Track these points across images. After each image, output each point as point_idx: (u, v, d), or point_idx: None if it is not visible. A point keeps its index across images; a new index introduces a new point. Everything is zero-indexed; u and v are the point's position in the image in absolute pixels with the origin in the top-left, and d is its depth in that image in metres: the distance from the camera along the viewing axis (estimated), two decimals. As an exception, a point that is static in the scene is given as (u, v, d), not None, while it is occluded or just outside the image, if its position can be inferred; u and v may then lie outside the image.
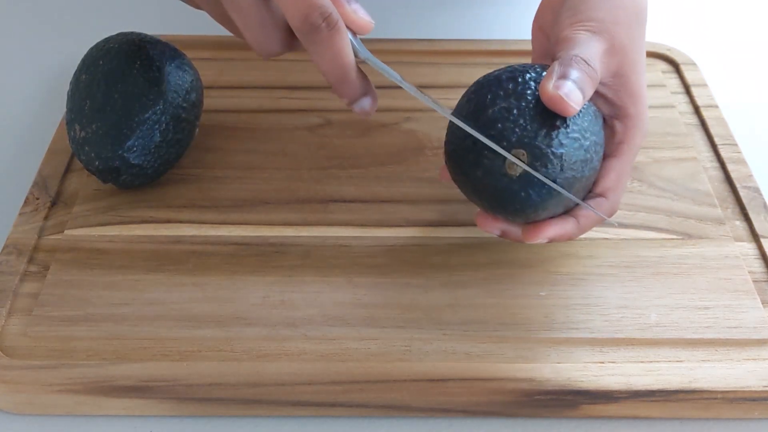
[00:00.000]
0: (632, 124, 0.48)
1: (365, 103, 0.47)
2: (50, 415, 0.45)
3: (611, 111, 0.48)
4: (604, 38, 0.47)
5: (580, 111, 0.45)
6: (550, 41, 0.51)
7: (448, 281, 0.49)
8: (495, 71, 0.47)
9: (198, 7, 0.49)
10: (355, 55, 0.45)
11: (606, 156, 0.48)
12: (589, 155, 0.45)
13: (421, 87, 0.62)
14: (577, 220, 0.47)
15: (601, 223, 0.49)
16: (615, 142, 0.48)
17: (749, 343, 0.47)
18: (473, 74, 0.57)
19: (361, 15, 0.46)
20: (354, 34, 0.46)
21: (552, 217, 0.46)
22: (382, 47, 0.66)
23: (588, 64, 0.45)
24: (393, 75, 0.46)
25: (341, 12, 0.44)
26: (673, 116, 0.62)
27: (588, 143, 0.45)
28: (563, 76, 0.44)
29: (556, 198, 0.45)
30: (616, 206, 0.49)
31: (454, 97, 0.62)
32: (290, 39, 0.46)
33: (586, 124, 0.45)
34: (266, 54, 0.47)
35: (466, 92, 0.48)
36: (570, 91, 0.44)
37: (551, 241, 0.47)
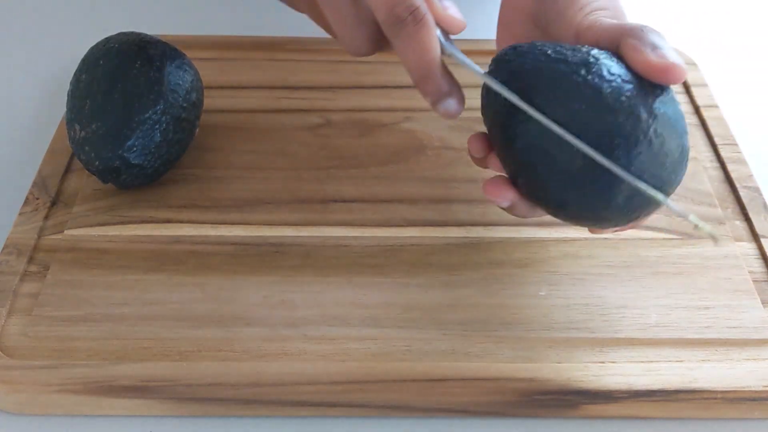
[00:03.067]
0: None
1: (450, 104, 0.45)
2: (50, 415, 0.45)
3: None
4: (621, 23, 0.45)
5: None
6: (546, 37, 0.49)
7: (447, 281, 0.50)
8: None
9: (297, 8, 0.49)
10: (442, 52, 0.44)
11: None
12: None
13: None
14: None
15: None
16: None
17: (749, 343, 0.47)
18: (473, 74, 0.57)
19: (451, 12, 0.44)
20: (445, 34, 0.45)
21: None
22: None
23: (656, 32, 0.42)
24: (479, 72, 0.44)
25: (431, 9, 0.43)
26: (673, 116, 0.62)
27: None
28: (655, 46, 0.41)
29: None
30: None
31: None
32: (379, 37, 0.45)
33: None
34: (355, 52, 0.46)
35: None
36: (674, 56, 0.40)
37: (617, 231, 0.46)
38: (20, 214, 0.53)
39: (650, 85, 0.41)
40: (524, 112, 0.41)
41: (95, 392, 0.44)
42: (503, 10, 0.52)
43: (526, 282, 0.49)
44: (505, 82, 0.43)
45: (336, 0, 0.44)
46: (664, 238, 0.52)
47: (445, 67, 0.44)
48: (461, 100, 0.45)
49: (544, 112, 0.41)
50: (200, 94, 0.56)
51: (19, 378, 0.44)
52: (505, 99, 0.42)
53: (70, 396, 0.44)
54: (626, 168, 0.40)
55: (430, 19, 0.43)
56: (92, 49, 0.55)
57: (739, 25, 0.77)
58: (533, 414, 0.45)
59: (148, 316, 0.47)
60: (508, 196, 0.45)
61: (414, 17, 0.42)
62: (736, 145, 0.59)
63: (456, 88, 0.45)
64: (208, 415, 0.45)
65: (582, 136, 0.40)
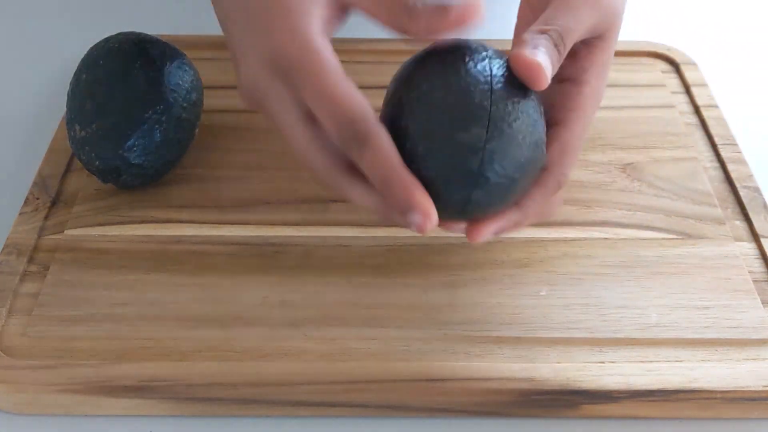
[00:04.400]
0: (588, 93, 0.45)
1: (414, 218, 0.40)
2: (50, 415, 0.45)
3: (572, 72, 0.45)
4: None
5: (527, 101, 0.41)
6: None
7: (447, 281, 0.50)
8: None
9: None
10: None
11: (552, 123, 0.44)
12: (534, 152, 0.42)
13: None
14: (520, 208, 0.44)
15: (550, 202, 0.46)
16: (566, 109, 0.45)
17: (749, 343, 0.47)
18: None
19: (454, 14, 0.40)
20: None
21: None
22: (383, 47, 0.67)
23: (562, 41, 0.42)
24: None
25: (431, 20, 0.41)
26: (673, 116, 0.62)
27: (536, 137, 0.42)
28: (535, 46, 0.41)
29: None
30: (563, 181, 0.44)
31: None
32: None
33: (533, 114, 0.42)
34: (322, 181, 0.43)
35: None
36: (545, 61, 0.41)
37: (497, 234, 0.44)
38: (20, 214, 0.53)
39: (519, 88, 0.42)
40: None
41: (95, 392, 0.44)
42: None
43: (525, 282, 0.50)
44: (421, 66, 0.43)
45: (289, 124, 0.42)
46: (663, 238, 0.52)
47: (407, 181, 0.40)
48: (427, 214, 0.40)
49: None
50: (200, 94, 0.56)
51: (19, 378, 0.44)
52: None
53: (71, 396, 0.44)
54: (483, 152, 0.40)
55: (376, 138, 0.40)
56: (92, 49, 0.55)
57: (739, 25, 0.77)
58: (533, 414, 0.45)
59: (148, 316, 0.47)
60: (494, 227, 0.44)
61: (357, 143, 0.40)
62: (736, 145, 0.59)
63: (422, 203, 0.40)
64: (208, 415, 0.45)
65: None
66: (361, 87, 0.52)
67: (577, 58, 0.45)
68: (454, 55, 0.42)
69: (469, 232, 0.43)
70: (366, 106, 0.41)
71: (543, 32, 0.43)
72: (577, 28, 0.44)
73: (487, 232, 0.43)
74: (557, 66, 0.43)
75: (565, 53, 0.43)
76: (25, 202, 0.54)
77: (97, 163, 0.52)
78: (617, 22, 0.46)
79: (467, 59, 0.42)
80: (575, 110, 0.45)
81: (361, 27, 0.73)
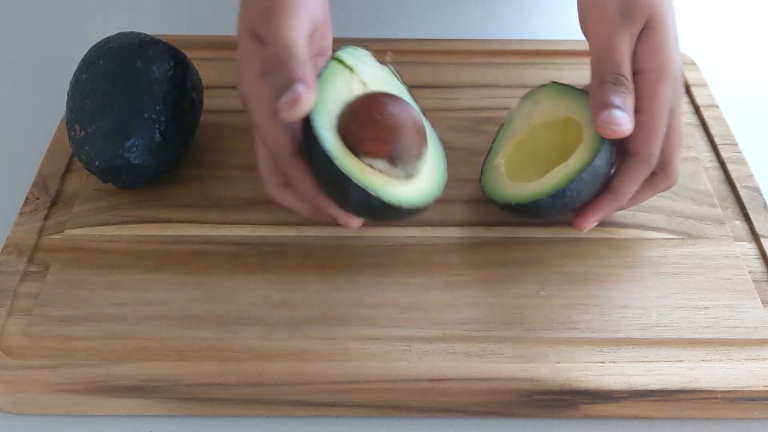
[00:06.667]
0: (652, 78, 0.48)
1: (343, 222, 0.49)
2: (50, 415, 0.45)
3: (633, 66, 0.49)
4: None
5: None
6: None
7: (448, 281, 0.50)
8: None
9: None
10: None
11: (635, 112, 0.48)
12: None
13: (421, 87, 0.63)
14: (614, 194, 0.49)
15: (647, 181, 0.50)
16: (640, 97, 0.48)
17: (749, 343, 0.47)
18: (473, 74, 0.57)
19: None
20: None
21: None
22: (383, 47, 0.67)
23: (624, 78, 0.47)
24: None
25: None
26: (673, 116, 0.62)
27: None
28: (604, 106, 0.47)
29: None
30: (653, 162, 0.49)
31: (455, 97, 0.63)
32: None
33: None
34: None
35: None
36: (617, 117, 0.47)
37: (599, 220, 0.50)
38: (20, 214, 0.53)
39: None
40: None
41: (95, 392, 0.44)
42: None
43: (526, 282, 0.49)
44: None
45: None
46: (664, 239, 0.52)
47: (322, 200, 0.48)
48: (346, 221, 0.49)
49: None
50: (200, 94, 0.56)
51: (19, 378, 0.44)
52: None
53: (70, 396, 0.44)
54: None
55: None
56: (92, 49, 0.55)
57: (739, 24, 0.77)
58: (533, 414, 0.45)
59: (148, 316, 0.47)
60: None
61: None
62: (736, 145, 0.59)
63: (337, 215, 0.49)
64: (208, 415, 0.45)
65: None
66: (362, 87, 0.52)
67: (633, 54, 0.49)
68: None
69: (575, 223, 0.50)
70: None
71: (602, 85, 0.48)
72: (621, 48, 0.48)
73: (592, 220, 0.50)
74: (632, 101, 0.48)
75: (631, 82, 0.48)
76: (25, 202, 0.54)
77: (97, 163, 0.52)
78: (655, 5, 0.49)
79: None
80: (646, 96, 0.48)
81: (362, 27, 0.73)
